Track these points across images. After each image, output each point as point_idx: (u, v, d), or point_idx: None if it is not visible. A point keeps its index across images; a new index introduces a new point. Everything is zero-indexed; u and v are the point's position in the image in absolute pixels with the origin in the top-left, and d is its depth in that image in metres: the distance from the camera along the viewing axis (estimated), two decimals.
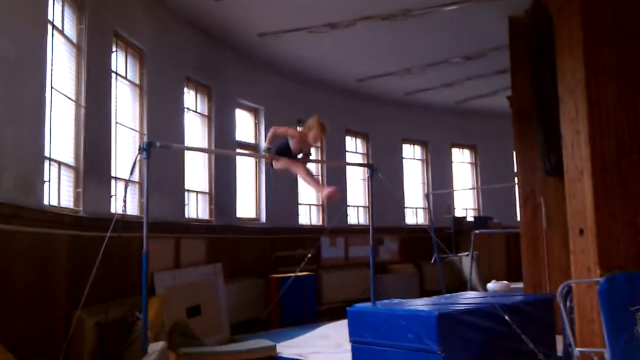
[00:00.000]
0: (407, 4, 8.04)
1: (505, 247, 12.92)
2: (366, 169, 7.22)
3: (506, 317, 5.06)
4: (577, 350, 4.67)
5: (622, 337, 4.30)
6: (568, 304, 5.03)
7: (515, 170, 8.20)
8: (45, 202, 5.11)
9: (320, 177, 12.02)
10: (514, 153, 8.19)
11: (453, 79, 11.61)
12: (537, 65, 6.96)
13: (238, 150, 9.92)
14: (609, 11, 5.13)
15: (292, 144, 5.44)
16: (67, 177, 5.74)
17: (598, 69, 5.05)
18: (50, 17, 5.35)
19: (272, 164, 5.60)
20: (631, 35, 5.09)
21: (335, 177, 12.14)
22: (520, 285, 8.35)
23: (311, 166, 11.63)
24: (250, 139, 10.54)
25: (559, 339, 5.71)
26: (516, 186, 8.30)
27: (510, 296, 6.45)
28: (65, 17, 5.81)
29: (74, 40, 5.98)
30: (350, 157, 12.82)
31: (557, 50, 5.59)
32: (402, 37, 9.37)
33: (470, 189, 14.90)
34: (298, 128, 5.71)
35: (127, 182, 5.47)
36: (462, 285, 10.97)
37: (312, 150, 11.58)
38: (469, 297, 6.47)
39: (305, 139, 5.41)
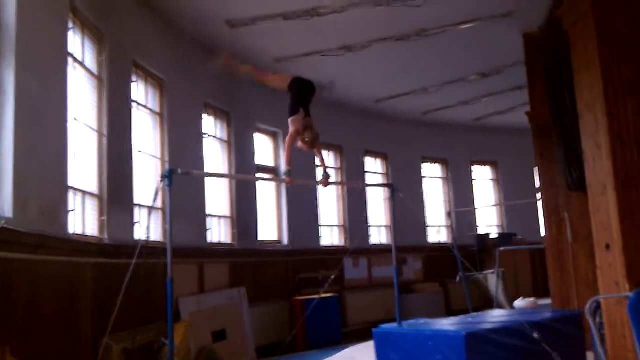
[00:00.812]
0: (422, 24, 8.08)
1: (531, 263, 12.74)
2: (387, 189, 7.21)
3: (535, 335, 4.98)
4: None
5: None
6: (597, 319, 4.94)
7: (538, 186, 8.12)
8: (70, 230, 5.18)
9: (341, 199, 12.02)
10: (536, 169, 8.12)
11: (470, 96, 11.59)
12: (555, 81, 6.93)
13: (258, 175, 9.98)
14: (623, 23, 5.12)
15: (303, 144, 5.67)
16: (91, 206, 5.82)
17: (615, 82, 5.02)
18: (70, 50, 5.47)
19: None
20: None
21: (356, 197, 12.13)
22: (547, 301, 8.23)
23: (331, 187, 11.69)
24: (270, 162, 10.60)
25: (590, 356, 5.60)
26: (539, 202, 8.21)
27: (538, 313, 6.36)
28: (85, 49, 5.94)
29: (95, 72, 6.11)
30: (370, 178, 12.81)
31: (573, 65, 5.57)
32: (418, 57, 9.40)
33: (493, 205, 14.78)
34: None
35: (151, 209, 5.53)
36: (488, 303, 10.83)
37: (332, 172, 11.61)
38: (496, 316, 6.39)
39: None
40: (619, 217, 4.82)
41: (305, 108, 5.83)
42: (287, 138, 5.78)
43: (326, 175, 5.97)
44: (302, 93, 5.94)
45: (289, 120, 5.81)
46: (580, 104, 5.47)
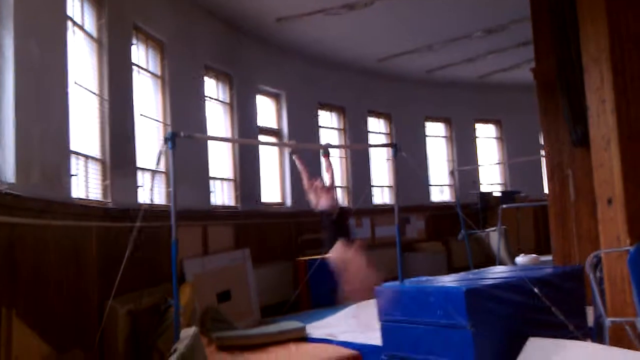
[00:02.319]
0: None
1: (534, 220, 12.79)
2: (389, 149, 7.20)
3: (535, 290, 5.03)
4: (608, 320, 4.63)
5: None
6: (598, 274, 4.98)
7: (542, 143, 8.08)
8: (74, 195, 5.21)
9: (344, 159, 12.02)
10: (540, 126, 8.07)
11: (475, 53, 11.46)
12: (560, 35, 6.82)
13: (261, 138, 9.97)
14: None
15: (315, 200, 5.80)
16: (94, 170, 5.84)
17: (622, 37, 4.95)
18: (70, 14, 5.42)
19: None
20: None
21: (359, 158, 12.13)
22: (549, 258, 8.28)
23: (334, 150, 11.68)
24: (273, 125, 10.57)
25: (590, 310, 5.66)
26: (543, 159, 8.19)
27: (539, 269, 6.40)
28: (85, 13, 5.88)
29: (95, 36, 6.05)
30: (373, 138, 12.78)
31: (579, 18, 5.47)
32: (421, 14, 9.27)
33: (497, 163, 14.76)
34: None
35: (154, 172, 5.55)
36: (490, 260, 10.91)
37: (334, 133, 11.58)
38: (497, 272, 6.44)
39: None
40: (621, 172, 4.81)
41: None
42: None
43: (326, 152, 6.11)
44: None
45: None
46: (585, 59, 5.40)
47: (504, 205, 10.30)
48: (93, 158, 5.81)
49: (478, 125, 14.65)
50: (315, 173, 6.72)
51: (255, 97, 9.98)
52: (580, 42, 5.48)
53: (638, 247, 4.38)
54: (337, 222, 5.80)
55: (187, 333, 4.83)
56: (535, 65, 8.07)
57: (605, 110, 5.00)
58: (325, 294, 9.37)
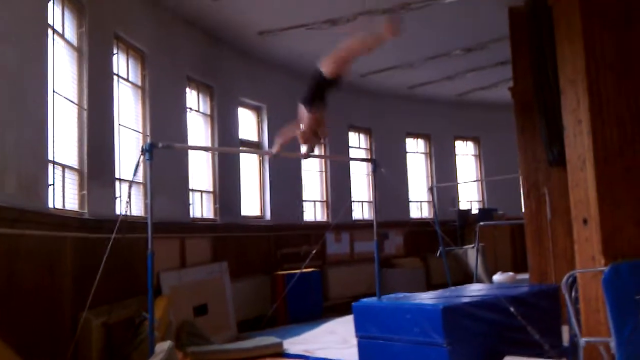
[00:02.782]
0: None
1: (511, 238, 12.90)
2: (369, 164, 7.23)
3: (511, 309, 5.07)
4: (583, 340, 4.67)
5: (627, 325, 4.30)
6: (573, 294, 5.02)
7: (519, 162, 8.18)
8: (50, 205, 5.14)
9: (324, 174, 12.04)
10: (517, 144, 8.17)
11: (455, 71, 11.58)
12: (538, 56, 6.94)
13: (241, 148, 9.95)
14: (608, 0, 5.12)
15: (300, 137, 5.31)
16: (72, 180, 5.78)
17: (598, 59, 5.03)
18: (50, 22, 5.38)
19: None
20: (630, 25, 5.07)
21: (339, 172, 12.16)
22: (526, 276, 8.35)
23: (315, 162, 11.70)
24: (254, 137, 10.56)
25: (565, 329, 5.71)
26: (520, 177, 8.28)
27: (515, 287, 6.45)
28: (65, 21, 5.84)
29: (75, 44, 6.01)
30: (353, 152, 12.83)
31: (557, 40, 5.56)
32: (403, 31, 9.33)
33: (475, 181, 14.88)
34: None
35: (131, 183, 5.51)
36: (468, 277, 10.97)
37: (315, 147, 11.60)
38: (474, 290, 6.48)
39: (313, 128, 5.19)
40: (597, 193, 4.87)
41: (323, 102, 5.28)
42: (288, 131, 5.36)
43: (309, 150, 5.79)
44: (327, 86, 5.28)
45: (301, 110, 5.31)
46: (562, 80, 5.48)
47: (482, 223, 10.38)
48: (70, 168, 5.75)
49: (457, 143, 14.79)
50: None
51: (236, 110, 9.97)
52: (557, 64, 5.57)
53: (612, 267, 4.43)
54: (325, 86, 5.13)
55: (162, 347, 4.78)
56: (513, 84, 8.19)
57: (582, 131, 5.08)
58: (303, 309, 9.36)
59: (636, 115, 4.97)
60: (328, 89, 5.23)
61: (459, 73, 11.65)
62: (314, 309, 9.72)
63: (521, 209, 7.92)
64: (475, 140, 14.98)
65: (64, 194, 5.57)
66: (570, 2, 5.23)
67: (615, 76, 5.01)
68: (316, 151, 11.76)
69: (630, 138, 4.95)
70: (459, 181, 14.45)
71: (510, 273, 9.57)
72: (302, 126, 5.20)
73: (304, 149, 5.41)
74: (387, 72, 11.39)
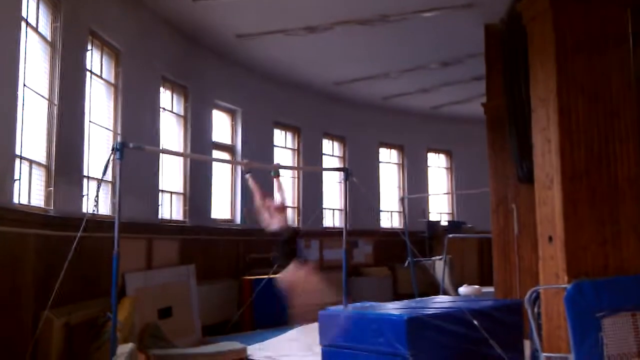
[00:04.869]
0: (385, 10, 8.09)
1: (478, 251, 13.05)
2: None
3: (475, 322, 5.12)
4: (543, 355, 4.74)
5: (586, 342, 4.39)
6: (536, 309, 5.11)
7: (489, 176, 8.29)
8: (16, 200, 5.04)
9: (296, 180, 12.03)
10: (488, 159, 8.28)
11: (430, 84, 11.70)
12: (512, 74, 7.05)
13: (214, 153, 9.88)
14: (580, 23, 5.23)
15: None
16: (39, 176, 5.68)
17: (569, 80, 5.14)
18: (24, 15, 5.29)
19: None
20: (601, 48, 5.19)
21: (311, 179, 12.16)
22: (491, 289, 8.44)
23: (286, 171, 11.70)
24: (227, 140, 10.51)
25: (527, 344, 5.79)
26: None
27: (480, 301, 6.53)
28: (40, 15, 5.75)
29: (49, 38, 5.92)
30: (327, 160, 12.84)
31: (530, 59, 5.67)
32: (380, 42, 9.42)
33: (445, 193, 15.02)
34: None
35: (100, 181, 5.43)
36: (434, 288, 11.05)
37: (288, 153, 11.60)
38: (439, 302, 6.53)
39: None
40: (562, 211, 4.97)
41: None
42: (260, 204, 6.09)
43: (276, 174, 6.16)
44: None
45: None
46: (533, 99, 5.58)
47: (450, 235, 10.48)
48: (38, 163, 5.64)
49: (430, 155, 14.92)
50: (268, 192, 6.66)
51: (210, 112, 9.91)
52: (530, 83, 5.67)
53: (575, 285, 4.51)
54: (288, 243, 5.77)
55: (124, 349, 4.72)
56: (486, 100, 8.31)
57: (550, 150, 5.18)
58: (269, 315, 9.30)
59: (604, 137, 5.09)
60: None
61: (434, 86, 11.78)
62: (280, 316, 9.64)
63: (490, 223, 8.02)
64: (447, 153, 15.14)
65: (30, 190, 5.47)
66: (544, 23, 5.34)
67: (585, 96, 5.13)
68: (289, 158, 11.82)
69: (597, 159, 5.06)
70: (429, 193, 14.57)
71: (476, 286, 9.67)
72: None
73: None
74: (363, 81, 11.45)
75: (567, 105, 5.13)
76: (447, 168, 15.20)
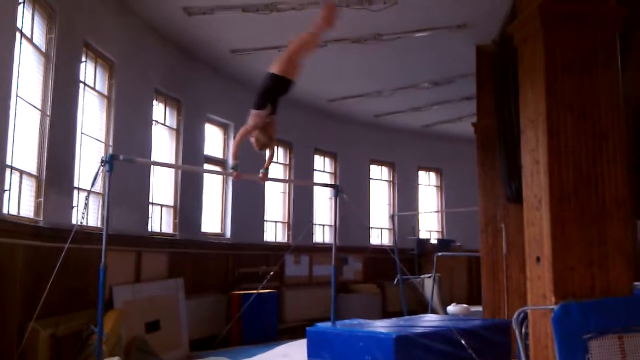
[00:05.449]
0: (378, 29, 8.17)
1: (467, 270, 13.07)
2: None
3: (462, 342, 5.12)
4: None
5: None
6: (524, 330, 5.11)
7: (478, 196, 8.33)
8: (5, 211, 5.02)
9: (287, 195, 12.04)
10: (477, 179, 8.33)
11: (421, 103, 11.80)
12: (502, 94, 7.12)
13: (206, 166, 9.88)
14: (571, 44, 5.29)
15: (255, 143, 5.38)
16: (29, 187, 5.66)
17: (559, 102, 5.18)
18: (19, 25, 5.31)
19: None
20: (591, 69, 5.25)
21: (302, 194, 12.17)
22: (480, 308, 8.45)
23: (278, 183, 11.71)
24: (219, 154, 10.52)
25: None
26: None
27: (468, 320, 6.53)
28: (35, 26, 5.76)
29: (43, 49, 5.93)
30: (318, 176, 12.88)
31: (520, 80, 5.72)
32: (373, 60, 9.50)
33: (435, 211, 15.07)
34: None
35: (89, 193, 5.42)
36: (423, 307, 11.06)
37: (279, 168, 11.59)
38: (428, 320, 6.53)
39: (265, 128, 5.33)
40: (550, 232, 4.99)
41: (273, 105, 5.44)
42: (241, 130, 5.38)
43: (265, 172, 5.86)
44: (278, 88, 5.47)
45: (252, 112, 5.39)
46: (523, 120, 5.62)
47: (440, 253, 10.50)
48: (28, 174, 5.63)
49: (420, 173, 14.98)
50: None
51: (203, 125, 9.93)
52: (519, 104, 5.72)
53: (562, 306, 4.53)
54: (274, 91, 5.35)
55: None
56: (477, 120, 8.37)
57: (539, 171, 5.21)
58: (258, 330, 9.27)
59: (592, 156, 5.12)
60: (278, 91, 5.44)
61: (425, 105, 11.87)
62: (268, 331, 9.64)
63: (479, 241, 8.05)
64: (438, 171, 15.21)
65: (20, 200, 5.45)
66: (535, 44, 5.39)
67: (574, 117, 5.16)
68: (280, 174, 11.83)
69: (585, 179, 5.09)
70: (419, 211, 14.61)
71: (465, 305, 9.68)
72: (249, 122, 5.34)
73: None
74: (355, 98, 11.53)
75: (556, 127, 5.16)
76: (437, 186, 15.26)
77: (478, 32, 7.99)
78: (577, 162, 5.12)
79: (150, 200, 8.36)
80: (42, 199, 5.78)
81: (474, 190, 8.51)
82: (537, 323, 5.06)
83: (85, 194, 6.48)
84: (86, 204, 5.32)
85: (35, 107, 5.75)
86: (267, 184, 11.25)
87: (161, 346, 7.26)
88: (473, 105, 8.78)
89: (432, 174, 15.26)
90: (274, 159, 6.05)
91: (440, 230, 15.08)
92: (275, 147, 5.76)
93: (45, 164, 5.84)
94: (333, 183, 12.41)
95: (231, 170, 5.68)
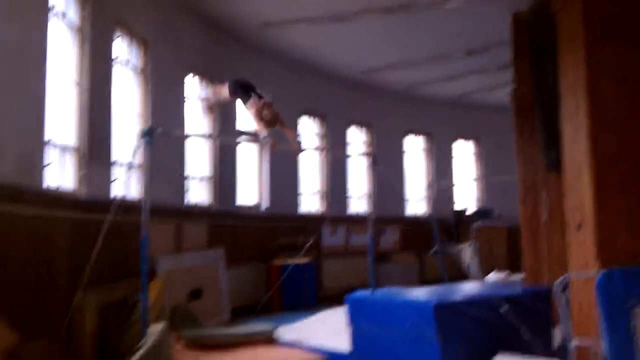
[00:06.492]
0: None
1: (506, 239, 12.89)
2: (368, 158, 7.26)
3: (504, 308, 5.10)
4: (573, 342, 4.71)
5: (617, 330, 4.34)
6: (565, 297, 5.07)
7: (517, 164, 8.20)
8: (47, 184, 5.16)
9: (323, 165, 12.07)
10: (516, 147, 8.19)
11: (456, 72, 11.60)
12: (539, 62, 6.95)
13: (238, 137, 9.97)
14: (610, 9, 5.13)
15: (263, 123, 6.10)
16: (69, 160, 5.79)
17: (599, 67, 5.05)
18: (53, 3, 5.38)
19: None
20: (631, 34, 5.10)
21: (337, 166, 12.18)
22: (520, 276, 8.38)
23: (313, 155, 11.74)
24: (253, 128, 10.55)
25: (555, 331, 5.76)
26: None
27: (508, 287, 6.49)
28: (68, 2, 5.84)
29: (77, 26, 6.01)
30: (353, 147, 12.84)
31: (558, 47, 5.58)
32: (407, 31, 9.37)
33: (473, 180, 14.91)
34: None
35: (130, 165, 5.53)
36: (462, 276, 11.02)
37: (313, 139, 11.60)
38: (467, 288, 6.52)
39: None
40: (592, 199, 4.90)
41: (256, 94, 6.27)
42: (252, 114, 6.18)
43: (297, 142, 6.24)
44: (244, 88, 6.41)
45: (246, 107, 6.24)
46: (563, 86, 5.51)
47: (478, 223, 10.41)
48: (69, 148, 5.76)
49: (457, 142, 14.81)
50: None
51: (236, 100, 9.95)
52: (559, 71, 5.59)
53: (606, 273, 4.46)
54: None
55: (156, 329, 4.81)
56: (513, 88, 8.20)
57: (580, 138, 5.10)
58: (297, 299, 9.40)
59: (634, 123, 5.00)
60: (246, 87, 6.42)
61: (460, 74, 11.67)
62: (307, 299, 9.75)
63: (518, 210, 7.94)
64: (476, 140, 15.01)
65: (62, 174, 5.59)
66: (573, 10, 5.25)
67: (615, 86, 5.04)
68: (316, 143, 11.85)
69: (627, 145, 4.98)
70: (457, 180, 14.48)
71: (504, 273, 9.59)
72: (251, 112, 6.22)
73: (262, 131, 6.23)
74: (389, 69, 11.40)
75: (596, 92, 5.04)
76: (475, 155, 15.08)
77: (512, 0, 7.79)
78: (618, 127, 5.00)
79: (188, 173, 8.47)
80: (82, 173, 5.91)
81: (512, 159, 8.36)
82: (579, 290, 5.00)
83: (124, 167, 6.64)
84: (127, 177, 5.43)
85: (72, 82, 5.84)
86: (302, 155, 11.30)
87: (204, 314, 7.41)
88: (509, 74, 8.59)
89: (470, 143, 15.07)
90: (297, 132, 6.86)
91: (479, 199, 14.93)
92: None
93: (84, 138, 5.97)
94: (368, 152, 12.39)
95: (267, 140, 6.01)
